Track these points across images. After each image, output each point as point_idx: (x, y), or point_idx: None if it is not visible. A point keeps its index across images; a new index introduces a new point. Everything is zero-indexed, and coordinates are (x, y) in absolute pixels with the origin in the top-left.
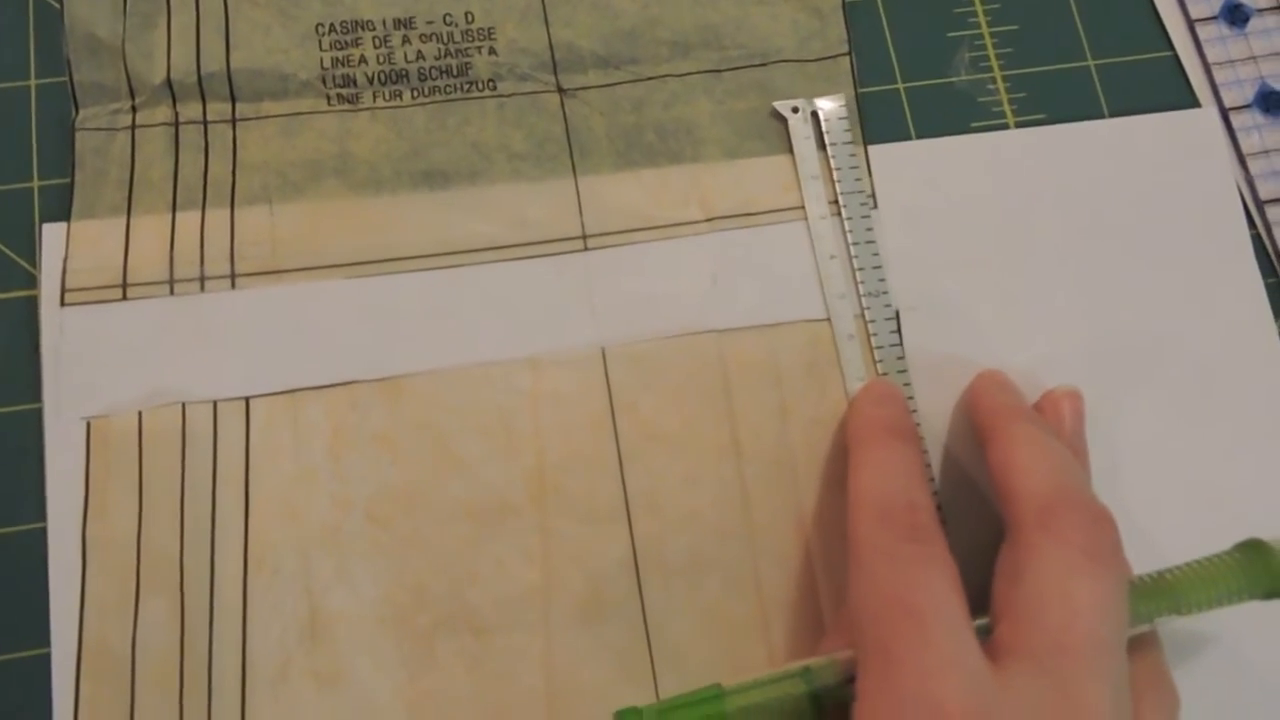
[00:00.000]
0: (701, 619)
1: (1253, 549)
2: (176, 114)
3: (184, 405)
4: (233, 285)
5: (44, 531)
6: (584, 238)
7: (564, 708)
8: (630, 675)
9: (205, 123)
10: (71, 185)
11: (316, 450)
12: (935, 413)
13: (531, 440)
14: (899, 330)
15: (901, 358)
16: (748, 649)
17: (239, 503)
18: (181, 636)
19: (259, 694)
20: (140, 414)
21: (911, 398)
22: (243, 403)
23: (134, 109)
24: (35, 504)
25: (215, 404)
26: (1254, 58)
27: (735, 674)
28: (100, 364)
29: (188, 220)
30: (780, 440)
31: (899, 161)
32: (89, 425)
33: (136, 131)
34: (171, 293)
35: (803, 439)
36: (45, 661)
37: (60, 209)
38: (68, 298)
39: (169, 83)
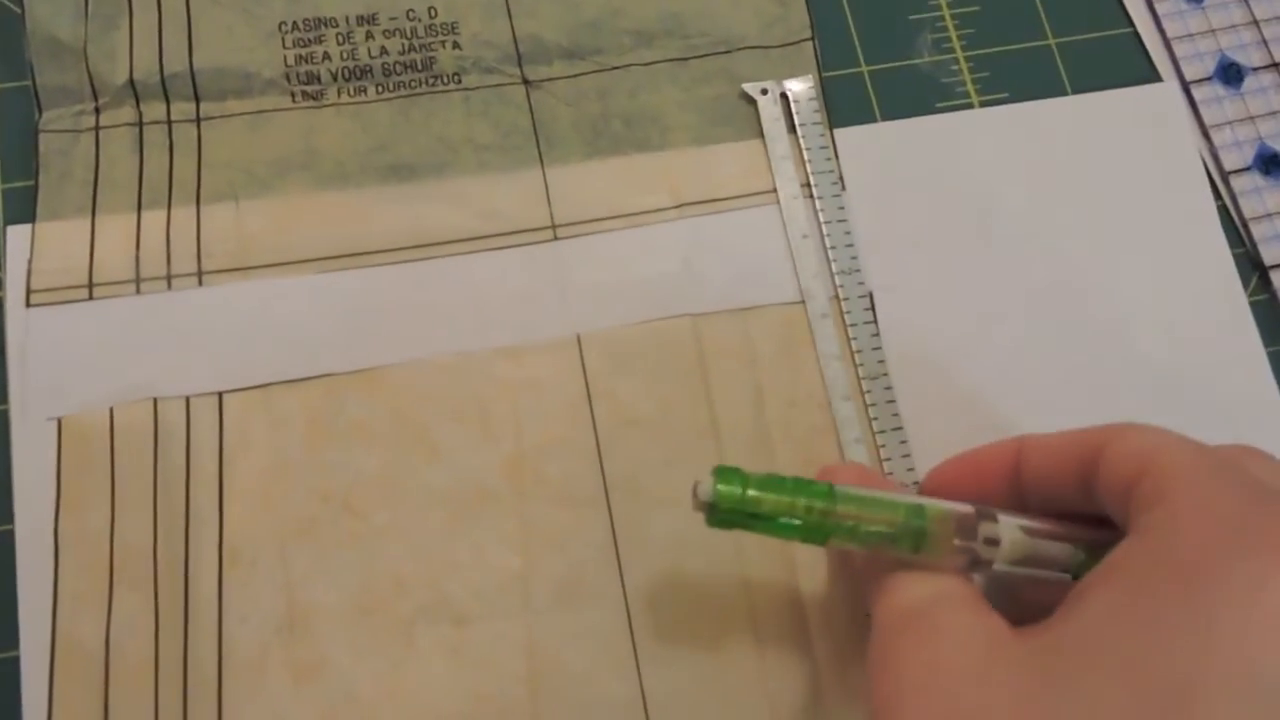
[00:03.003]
0: (683, 601)
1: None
2: (140, 114)
3: (156, 401)
4: (200, 283)
5: (11, 534)
6: (553, 227)
7: (546, 693)
8: (612, 659)
9: (169, 122)
10: (36, 187)
11: (292, 443)
12: (911, 392)
13: (509, 427)
14: (873, 309)
15: (876, 334)
16: (731, 630)
17: (213, 497)
18: (156, 631)
19: (236, 687)
20: (112, 410)
21: (886, 374)
22: (215, 398)
23: (97, 110)
24: (2, 506)
25: (188, 399)
26: (1213, 31)
27: (721, 658)
28: (67, 364)
29: (153, 219)
30: (757, 421)
31: (865, 144)
32: (60, 422)
33: (100, 132)
34: (138, 291)
35: (779, 419)
36: (14, 665)
37: (25, 211)
38: (33, 299)
39: (132, 83)
